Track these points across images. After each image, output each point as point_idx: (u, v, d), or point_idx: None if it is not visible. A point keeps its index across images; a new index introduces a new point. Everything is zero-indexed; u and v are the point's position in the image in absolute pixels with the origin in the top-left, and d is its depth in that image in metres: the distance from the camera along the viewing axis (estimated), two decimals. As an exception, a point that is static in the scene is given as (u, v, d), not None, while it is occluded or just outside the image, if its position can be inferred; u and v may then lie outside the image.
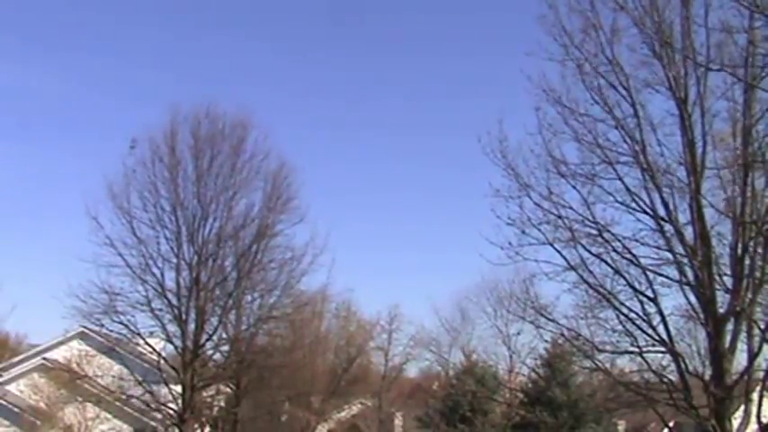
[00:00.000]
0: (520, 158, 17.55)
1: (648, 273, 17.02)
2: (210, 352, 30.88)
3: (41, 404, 34.65)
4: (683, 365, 17.14)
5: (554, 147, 17.39)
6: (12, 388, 37.39)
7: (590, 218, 17.18)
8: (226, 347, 31.36)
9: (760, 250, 16.14)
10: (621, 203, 17.04)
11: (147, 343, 30.05)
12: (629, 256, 17.07)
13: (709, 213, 16.51)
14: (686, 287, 16.67)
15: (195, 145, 29.98)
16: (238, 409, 33.64)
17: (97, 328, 30.52)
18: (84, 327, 33.67)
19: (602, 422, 35.64)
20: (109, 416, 34.33)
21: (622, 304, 17.43)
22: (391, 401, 47.52)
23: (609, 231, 17.13)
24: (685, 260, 16.55)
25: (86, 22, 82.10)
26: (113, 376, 31.31)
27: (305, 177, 33.31)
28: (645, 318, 17.20)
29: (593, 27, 16.75)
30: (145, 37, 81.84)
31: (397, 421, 47.25)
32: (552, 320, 18.82)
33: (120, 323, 29.06)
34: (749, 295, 16.27)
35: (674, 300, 17.28)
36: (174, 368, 29.57)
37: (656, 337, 17.16)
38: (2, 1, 63.74)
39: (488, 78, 78.55)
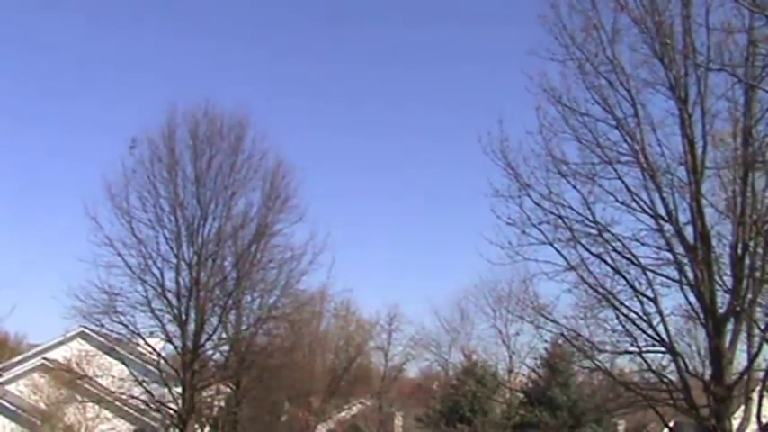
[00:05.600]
0: (520, 158, 17.61)
1: (648, 273, 17.06)
2: (210, 352, 30.87)
3: (41, 404, 34.60)
4: (682, 365, 17.16)
5: (554, 146, 17.47)
6: (12, 388, 37.34)
7: (590, 218, 17.23)
8: (226, 347, 31.31)
9: (760, 250, 16.15)
10: (621, 203, 17.07)
11: (147, 343, 30.00)
12: (629, 255, 17.11)
13: (709, 213, 16.55)
14: (686, 287, 16.68)
15: (193, 145, 29.93)
16: (238, 409, 33.61)
17: (97, 328, 30.46)
18: (84, 327, 33.63)
19: (602, 422, 35.63)
20: (109, 416, 34.27)
21: (622, 304, 17.47)
22: (391, 401, 47.49)
23: (609, 231, 17.18)
24: (685, 260, 16.56)
25: (85, 23, 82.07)
26: (113, 376, 31.21)
27: (304, 177, 33.25)
28: (645, 318, 17.22)
29: (595, 27, 16.78)
30: (144, 37, 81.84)
31: (397, 421, 47.21)
32: (552, 320, 18.89)
33: (120, 323, 29.03)
34: (749, 295, 16.28)
35: (674, 300, 17.34)
36: (174, 368, 29.54)
37: (656, 337, 17.18)
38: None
39: (489, 80, 78.43)
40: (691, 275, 16.48)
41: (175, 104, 30.57)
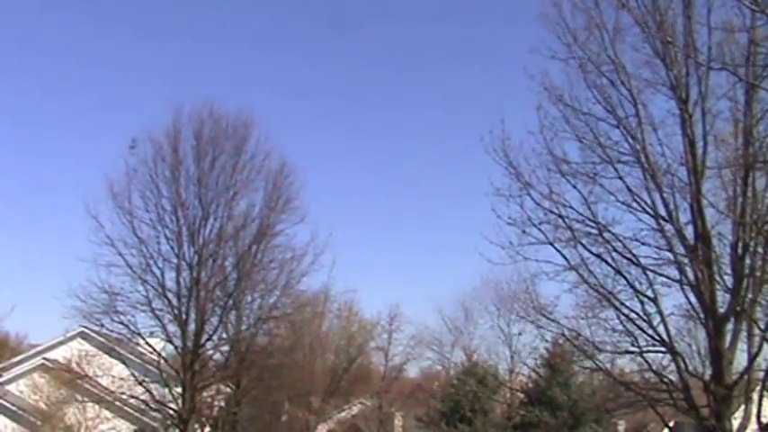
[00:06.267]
0: (521, 157, 17.63)
1: (649, 273, 17.07)
2: (210, 352, 30.84)
3: (41, 404, 34.57)
4: (682, 365, 17.17)
5: (555, 146, 17.49)
6: (12, 388, 37.32)
7: (591, 217, 17.24)
8: (226, 347, 31.30)
9: (760, 250, 16.17)
10: (622, 203, 17.11)
11: (147, 343, 30.00)
12: (629, 255, 17.12)
13: (709, 213, 16.57)
14: (686, 287, 16.69)
15: (197, 145, 29.91)
16: (238, 409, 33.59)
17: (97, 328, 30.46)
18: (85, 327, 33.63)
19: (602, 422, 35.62)
20: (109, 416, 34.24)
21: (623, 304, 17.48)
22: (391, 401, 47.46)
23: (609, 231, 17.19)
24: (686, 260, 16.58)
25: (88, 23, 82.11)
26: (113, 376, 31.22)
27: (306, 177, 33.27)
28: (645, 318, 17.23)
29: (597, 26, 16.81)
30: (146, 38, 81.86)
31: (397, 421, 47.19)
32: (553, 320, 18.89)
33: (121, 323, 29.01)
34: (749, 295, 16.30)
35: (674, 300, 17.36)
36: (174, 368, 29.53)
37: (657, 337, 17.20)
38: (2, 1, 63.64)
39: (490, 80, 78.47)
40: (691, 275, 16.50)
41: (181, 104, 30.61)
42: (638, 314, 17.33)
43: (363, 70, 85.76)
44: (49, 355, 37.36)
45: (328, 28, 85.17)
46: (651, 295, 17.07)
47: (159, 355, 29.93)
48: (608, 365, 19.54)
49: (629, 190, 16.92)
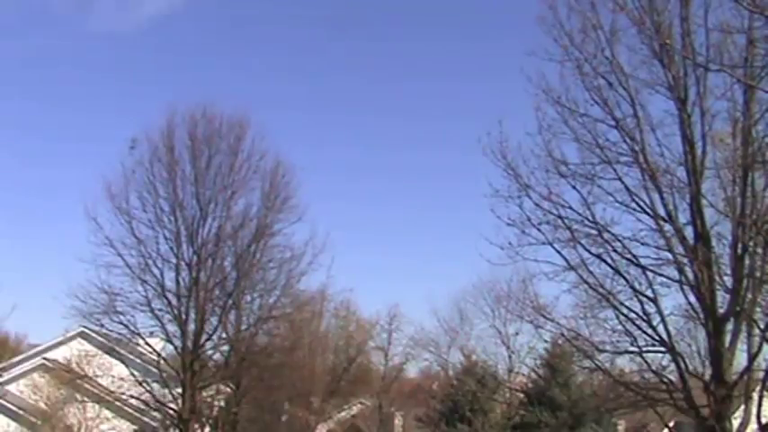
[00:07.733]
0: (520, 159, 17.62)
1: (648, 273, 17.07)
2: (210, 352, 30.86)
3: (41, 404, 34.58)
4: (683, 365, 17.18)
5: (554, 147, 17.48)
6: (12, 388, 37.30)
7: (590, 218, 17.24)
8: (226, 347, 31.31)
9: (760, 250, 16.17)
10: (621, 203, 17.09)
11: (147, 343, 30.01)
12: (628, 256, 17.12)
13: (708, 213, 16.57)
14: (686, 287, 16.69)
15: (193, 145, 29.94)
16: (238, 409, 33.58)
17: (97, 328, 30.50)
18: (84, 327, 33.65)
19: (602, 422, 35.60)
20: (109, 416, 34.26)
21: (622, 304, 17.48)
22: (391, 401, 47.45)
23: (609, 231, 17.19)
24: (685, 260, 16.56)
25: (88, 23, 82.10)
26: (113, 376, 31.22)
27: (304, 176, 33.28)
28: (645, 318, 17.23)
29: (593, 27, 16.79)
30: (146, 38, 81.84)
31: (397, 421, 47.19)
32: (552, 320, 18.92)
33: (120, 323, 29.06)
34: (749, 295, 16.29)
35: (674, 300, 17.36)
36: (174, 368, 29.53)
37: (656, 337, 17.20)
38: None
39: (490, 77, 78.51)
40: (691, 276, 16.48)
41: (175, 105, 30.66)
42: (637, 314, 17.33)
43: (363, 73, 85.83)
44: (49, 355, 37.34)
45: (327, 29, 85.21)
46: (651, 295, 17.07)
47: (159, 355, 29.95)
48: (608, 365, 19.53)
49: (628, 190, 16.92)
